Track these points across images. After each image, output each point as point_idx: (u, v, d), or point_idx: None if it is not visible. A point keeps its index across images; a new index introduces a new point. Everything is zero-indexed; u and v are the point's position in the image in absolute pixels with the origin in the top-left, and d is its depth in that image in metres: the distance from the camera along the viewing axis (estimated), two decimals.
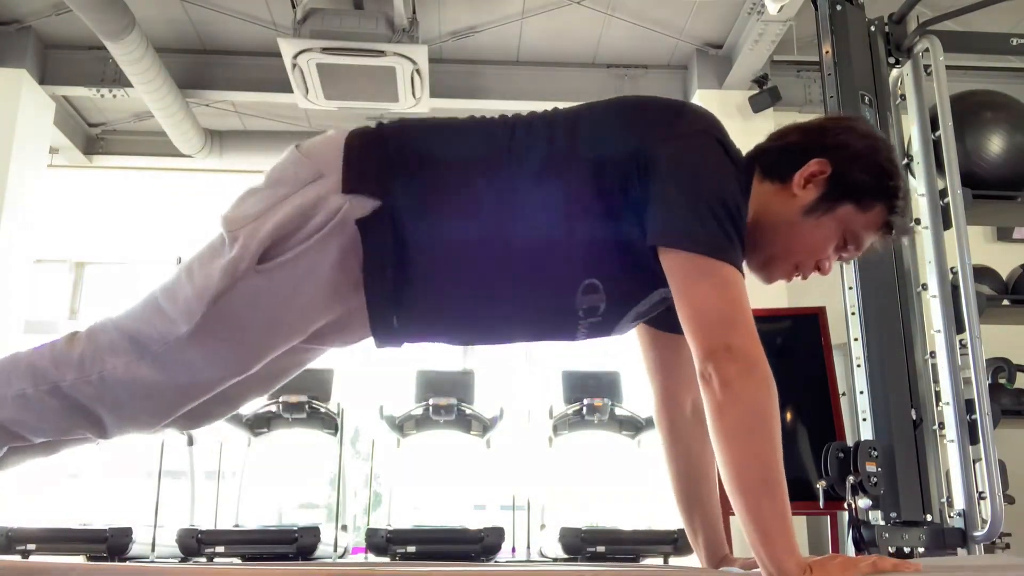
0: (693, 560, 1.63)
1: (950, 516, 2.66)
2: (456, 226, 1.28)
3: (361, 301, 1.30)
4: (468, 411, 5.13)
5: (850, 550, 2.69)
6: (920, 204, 2.98)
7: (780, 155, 1.38)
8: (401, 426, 5.20)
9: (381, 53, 4.44)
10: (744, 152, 1.41)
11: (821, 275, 1.41)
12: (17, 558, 4.17)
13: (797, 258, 1.38)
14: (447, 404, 5.05)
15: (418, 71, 4.59)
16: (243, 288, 1.26)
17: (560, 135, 1.32)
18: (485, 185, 1.29)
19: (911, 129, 3.08)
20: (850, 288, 2.84)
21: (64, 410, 1.30)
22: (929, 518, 2.60)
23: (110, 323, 1.33)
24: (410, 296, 1.30)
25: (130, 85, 4.85)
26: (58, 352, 1.31)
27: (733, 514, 1.21)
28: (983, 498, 2.59)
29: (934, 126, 2.99)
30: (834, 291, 2.92)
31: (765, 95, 4.96)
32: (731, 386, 1.17)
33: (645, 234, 1.26)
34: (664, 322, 1.48)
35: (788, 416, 3.49)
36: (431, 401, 5.08)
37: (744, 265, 1.33)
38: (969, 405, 2.69)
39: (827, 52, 3.05)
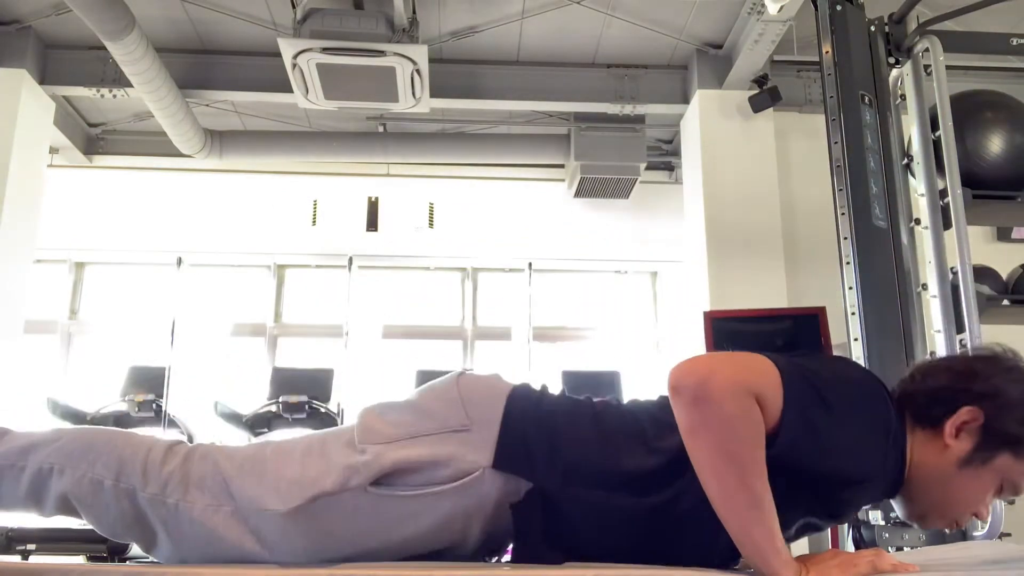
0: None
1: None
2: (607, 514, 1.26)
3: (450, 546, 1.28)
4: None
5: (850, 550, 2.68)
6: (920, 204, 2.98)
7: (929, 401, 1.31)
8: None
9: (381, 53, 4.44)
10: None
11: (979, 520, 1.37)
12: (17, 558, 4.16)
13: (956, 511, 1.33)
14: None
15: (418, 71, 4.59)
16: (347, 499, 1.24)
17: None
18: (630, 495, 1.26)
19: (911, 129, 3.08)
20: (850, 288, 2.84)
21: (129, 515, 1.29)
22: None
23: (212, 455, 1.31)
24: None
25: (130, 85, 4.85)
26: (152, 460, 1.30)
27: None
28: None
29: (934, 126, 2.99)
30: (834, 291, 2.92)
31: (765, 95, 4.96)
32: (702, 404, 1.15)
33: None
34: None
35: None
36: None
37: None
38: None
39: (827, 52, 3.05)
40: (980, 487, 1.29)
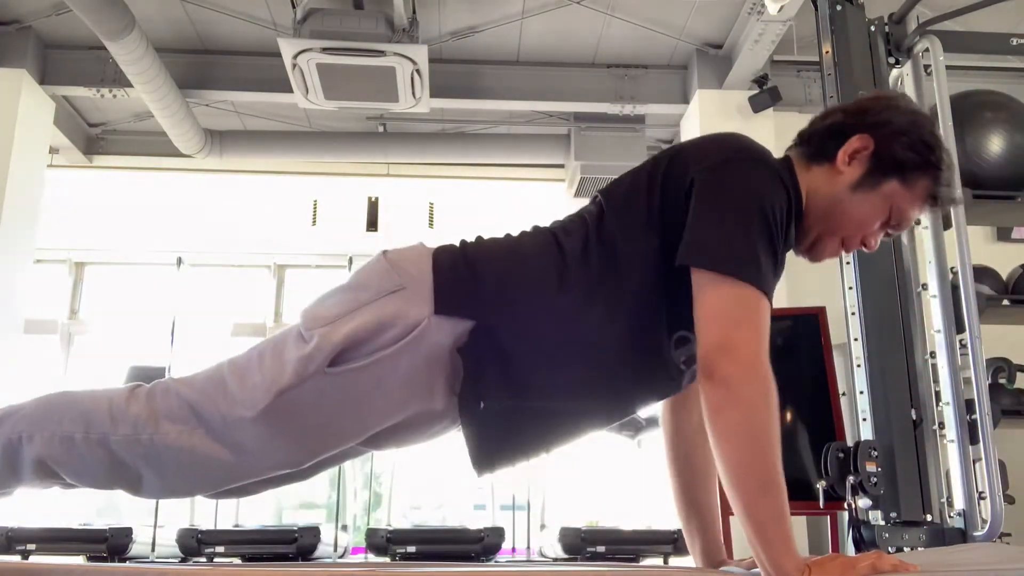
0: (693, 560, 1.63)
1: (950, 516, 2.66)
2: (551, 331, 1.31)
3: (422, 409, 1.31)
4: None
5: (850, 550, 2.69)
6: None
7: (823, 135, 1.41)
8: None
9: (381, 53, 4.44)
10: (782, 149, 1.45)
11: (867, 251, 1.44)
12: (17, 558, 4.17)
13: (844, 232, 1.41)
14: None
15: (418, 71, 4.59)
16: (310, 387, 1.26)
17: (601, 224, 1.38)
18: (564, 295, 1.32)
19: None
20: (850, 288, 2.84)
21: (107, 463, 1.31)
22: (929, 518, 2.60)
23: (173, 387, 1.33)
24: (513, 405, 1.31)
25: (130, 85, 4.85)
26: (115, 405, 1.32)
27: (733, 514, 1.21)
28: (983, 498, 2.59)
29: None
30: (834, 291, 2.92)
31: (765, 95, 4.96)
32: (731, 385, 1.18)
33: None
34: None
35: (788, 416, 3.49)
36: None
37: (792, 252, 1.42)
38: (969, 405, 2.69)
39: (827, 52, 3.05)
40: (870, 211, 1.38)
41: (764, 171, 1.33)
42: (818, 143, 1.41)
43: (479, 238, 1.43)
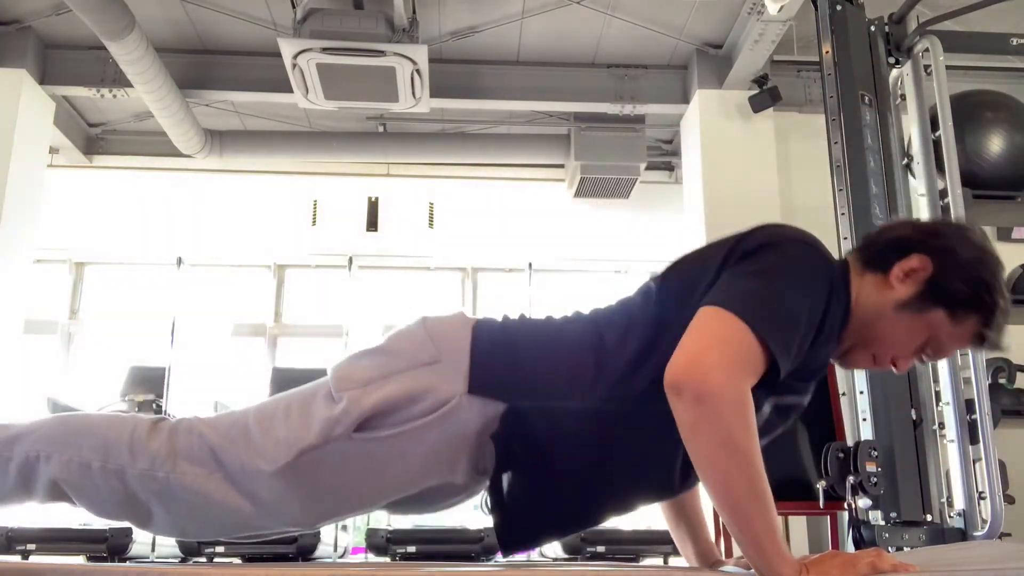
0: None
1: (950, 516, 2.66)
2: (583, 424, 1.28)
3: (442, 481, 1.30)
4: None
5: (850, 550, 2.68)
6: (920, 204, 2.98)
7: (885, 246, 1.37)
8: None
9: (381, 53, 4.44)
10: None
11: (896, 372, 1.39)
12: (17, 558, 4.17)
13: (877, 349, 1.36)
14: None
15: (418, 71, 4.58)
16: (333, 450, 1.25)
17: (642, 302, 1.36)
18: (598, 388, 1.29)
19: (911, 129, 3.08)
20: None
21: (121, 495, 1.30)
22: (929, 518, 2.60)
23: (197, 427, 1.32)
24: (542, 490, 1.30)
25: (130, 85, 4.85)
26: (137, 437, 1.31)
27: None
28: (983, 498, 2.60)
29: (934, 126, 2.99)
30: None
31: (765, 95, 4.96)
32: (703, 402, 1.15)
33: None
34: None
35: None
36: None
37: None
38: (969, 405, 2.69)
39: (827, 52, 3.05)
40: (908, 334, 1.33)
41: (813, 254, 1.30)
42: (878, 251, 1.37)
43: (522, 317, 1.42)
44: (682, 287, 1.33)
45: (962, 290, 1.30)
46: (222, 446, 1.29)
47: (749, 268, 1.27)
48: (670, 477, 1.34)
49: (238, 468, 1.27)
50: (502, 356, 1.31)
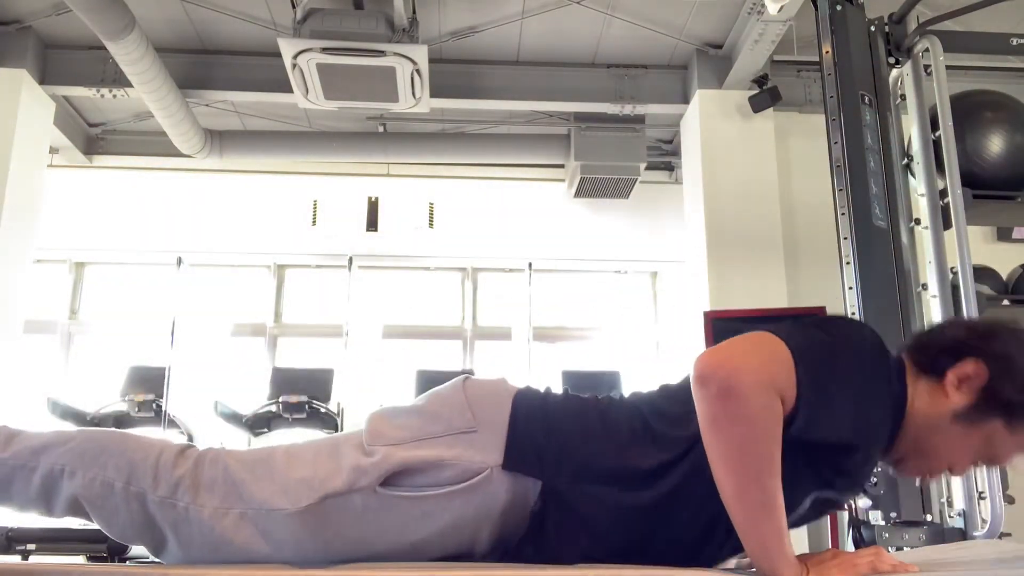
0: None
1: (950, 516, 2.66)
2: (618, 508, 1.26)
3: (460, 551, 1.29)
4: None
5: (850, 550, 2.68)
6: (920, 204, 2.98)
7: (939, 350, 1.30)
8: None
9: (381, 53, 4.44)
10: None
11: (952, 476, 1.37)
12: (17, 558, 4.16)
13: (934, 463, 1.32)
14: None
15: (418, 71, 4.59)
16: (356, 500, 1.24)
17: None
18: (637, 475, 1.27)
19: (911, 129, 3.08)
20: (850, 288, 2.84)
21: (138, 518, 1.29)
22: (929, 518, 2.60)
23: (223, 459, 1.31)
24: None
25: (130, 85, 4.85)
26: (163, 462, 1.30)
27: None
28: (983, 498, 2.59)
29: (934, 126, 2.99)
30: (834, 291, 2.92)
31: (765, 95, 4.96)
32: (729, 399, 1.14)
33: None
34: None
35: None
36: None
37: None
38: None
39: (827, 52, 3.05)
40: (965, 445, 1.28)
41: (877, 341, 1.27)
42: (932, 355, 1.30)
43: (566, 392, 1.39)
44: None
45: (1019, 398, 1.24)
46: (245, 481, 1.27)
47: (815, 331, 1.25)
48: (719, 554, 1.31)
49: (258, 504, 1.26)
50: (540, 433, 1.28)
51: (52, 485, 1.31)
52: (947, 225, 2.91)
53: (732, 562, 1.52)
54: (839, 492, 1.32)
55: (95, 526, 1.33)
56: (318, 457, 1.28)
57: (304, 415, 5.16)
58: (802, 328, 1.25)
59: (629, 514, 1.26)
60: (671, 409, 1.29)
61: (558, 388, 1.42)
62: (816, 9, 3.11)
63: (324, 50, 4.40)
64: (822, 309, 3.55)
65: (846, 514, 2.77)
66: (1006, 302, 3.35)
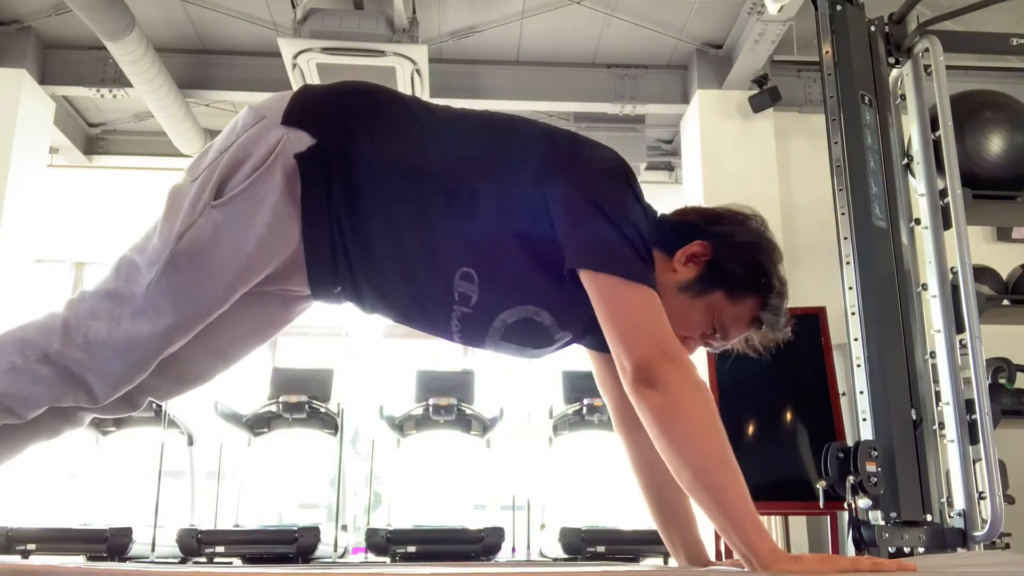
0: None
1: (950, 516, 2.66)
2: (380, 179, 1.36)
3: (288, 256, 1.38)
4: (468, 411, 5.14)
5: (850, 550, 2.69)
6: (920, 204, 2.98)
7: (673, 229, 1.43)
8: (401, 426, 5.20)
9: (381, 53, 4.44)
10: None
11: (687, 349, 1.43)
12: (17, 558, 4.17)
13: None
14: (447, 404, 5.06)
15: (418, 71, 4.59)
16: (204, 223, 1.33)
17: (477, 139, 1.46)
18: (412, 155, 1.38)
19: (911, 129, 3.08)
20: (850, 288, 2.84)
21: (54, 376, 1.34)
22: (929, 518, 2.60)
23: (87, 293, 1.39)
24: (341, 237, 1.37)
25: (130, 85, 4.85)
26: (42, 324, 1.38)
27: None
28: (983, 498, 2.59)
29: (934, 126, 2.99)
30: (834, 291, 2.92)
31: (765, 95, 4.96)
32: (673, 387, 1.23)
33: (538, 247, 1.33)
34: (603, 343, 1.45)
35: (788, 416, 3.49)
36: (431, 401, 5.08)
37: None
38: (969, 405, 2.69)
39: (827, 52, 3.05)
40: (690, 315, 1.40)
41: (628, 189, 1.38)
42: (665, 233, 1.42)
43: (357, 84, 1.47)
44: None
45: (738, 271, 1.38)
46: (116, 287, 1.36)
47: (592, 204, 1.32)
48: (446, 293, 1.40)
49: (137, 295, 1.33)
50: (320, 98, 1.42)
51: None
52: (947, 225, 2.90)
53: (725, 563, 1.53)
54: (556, 318, 1.43)
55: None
56: (156, 226, 1.38)
57: (304, 415, 5.16)
58: (598, 231, 1.31)
59: (391, 171, 1.37)
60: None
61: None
62: (816, 9, 3.11)
63: (324, 50, 4.41)
64: (822, 310, 3.55)
65: (846, 514, 2.77)
66: (1006, 302, 3.35)
